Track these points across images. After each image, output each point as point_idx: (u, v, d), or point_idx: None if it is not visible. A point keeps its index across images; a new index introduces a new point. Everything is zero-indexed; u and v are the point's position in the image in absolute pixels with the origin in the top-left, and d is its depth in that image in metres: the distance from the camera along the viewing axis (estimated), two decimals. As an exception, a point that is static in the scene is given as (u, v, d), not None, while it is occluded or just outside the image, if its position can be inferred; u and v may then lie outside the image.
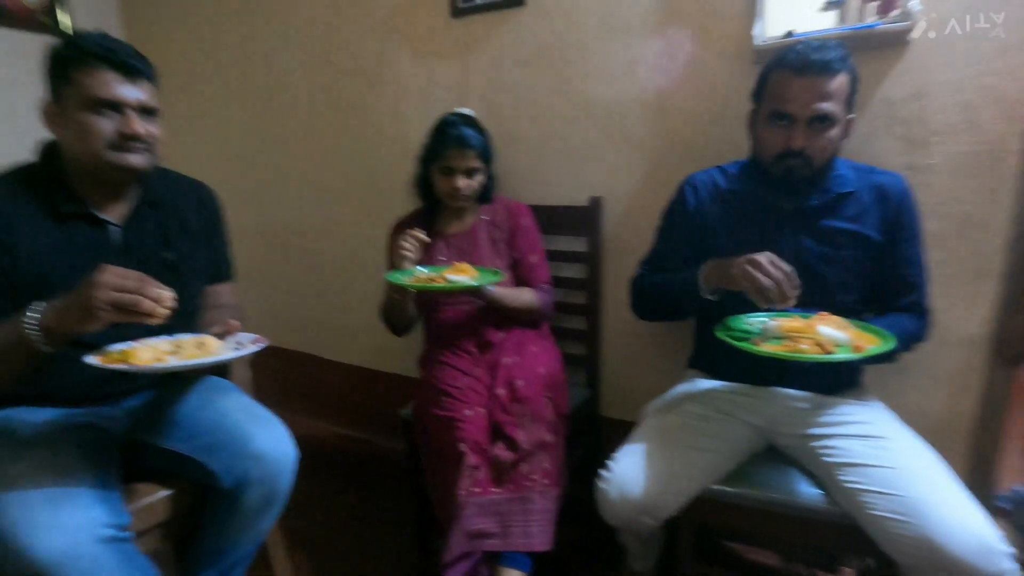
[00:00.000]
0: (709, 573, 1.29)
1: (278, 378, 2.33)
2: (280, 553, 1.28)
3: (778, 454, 1.10)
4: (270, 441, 1.02)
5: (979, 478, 1.29)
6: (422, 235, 1.28)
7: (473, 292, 1.28)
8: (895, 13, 1.14)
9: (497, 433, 1.21)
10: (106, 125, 0.93)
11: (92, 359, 0.83)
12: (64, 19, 2.31)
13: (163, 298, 0.80)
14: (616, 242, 1.56)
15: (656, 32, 1.40)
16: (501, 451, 1.18)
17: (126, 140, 0.94)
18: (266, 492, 1.02)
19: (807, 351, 0.87)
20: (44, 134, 2.35)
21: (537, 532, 1.17)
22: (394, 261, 1.30)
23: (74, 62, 0.91)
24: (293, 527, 1.30)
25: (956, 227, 1.20)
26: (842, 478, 0.95)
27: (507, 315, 1.39)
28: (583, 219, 1.54)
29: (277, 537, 1.27)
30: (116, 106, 0.93)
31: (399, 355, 1.99)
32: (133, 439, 1.04)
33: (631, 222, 1.52)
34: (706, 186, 1.20)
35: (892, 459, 0.93)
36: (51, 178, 0.98)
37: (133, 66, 0.94)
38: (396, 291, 1.32)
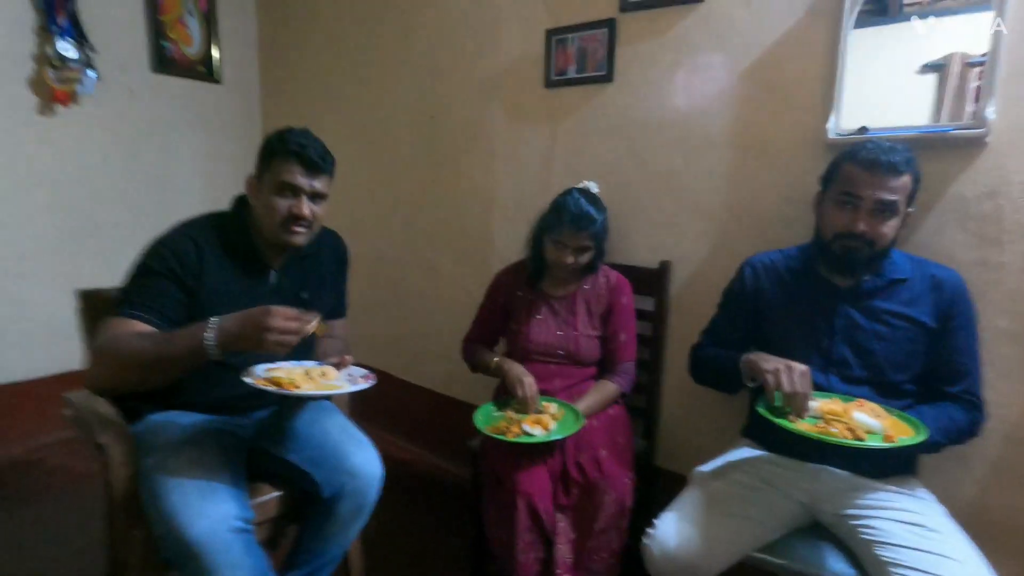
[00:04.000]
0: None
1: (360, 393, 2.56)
2: (358, 561, 1.45)
3: (822, 529, 1.15)
4: (364, 460, 1.21)
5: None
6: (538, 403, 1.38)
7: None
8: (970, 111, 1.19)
9: (567, 488, 1.31)
10: (283, 205, 1.18)
11: (249, 380, 1.05)
12: (216, 69, 2.72)
13: (310, 324, 1.01)
14: (682, 304, 1.65)
15: (734, 115, 1.51)
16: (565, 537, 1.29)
17: (295, 219, 1.18)
18: (357, 504, 1.21)
19: (836, 435, 0.94)
20: (201, 170, 2.74)
21: None
22: (517, 392, 1.38)
23: (278, 153, 1.18)
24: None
25: (1026, 326, 1.21)
26: (879, 553, 1.00)
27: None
28: (652, 281, 1.65)
29: (357, 547, 1.44)
30: (295, 191, 1.18)
31: (471, 385, 2.16)
32: (255, 445, 1.26)
33: (697, 287, 1.61)
34: (764, 267, 1.30)
35: (932, 546, 0.98)
36: (238, 228, 1.24)
37: (316, 163, 1.19)
38: (485, 368, 1.53)
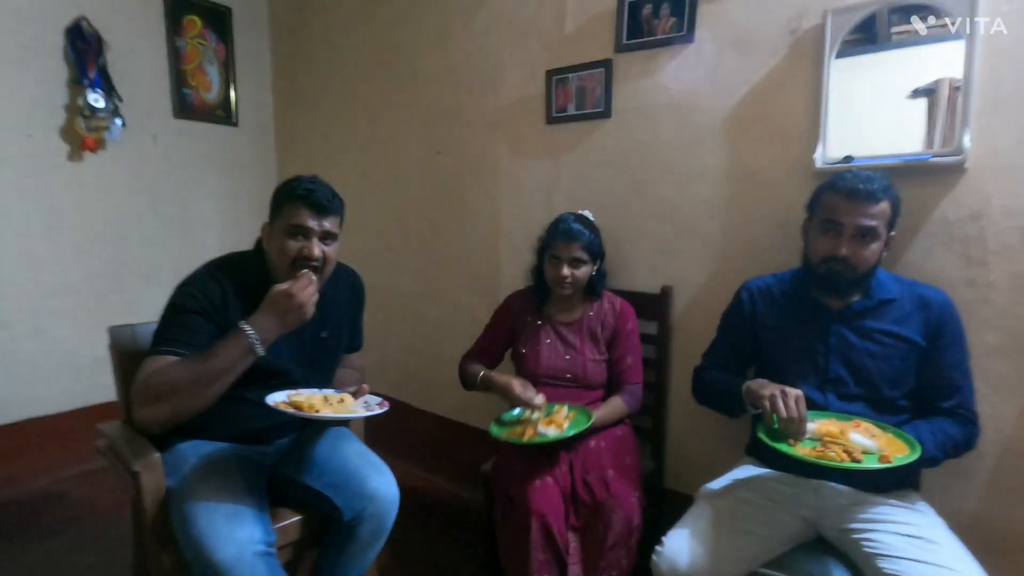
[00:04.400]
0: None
1: (374, 420, 2.61)
2: (375, 583, 1.49)
3: (825, 544, 1.18)
4: (382, 484, 1.26)
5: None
6: (540, 401, 1.42)
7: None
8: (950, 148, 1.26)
9: (576, 508, 1.35)
10: (294, 247, 1.24)
11: (272, 403, 1.12)
12: (234, 113, 2.86)
13: (313, 280, 1.18)
14: (684, 327, 1.71)
15: (726, 147, 1.59)
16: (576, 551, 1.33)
17: (305, 260, 1.24)
18: (376, 527, 1.25)
19: (834, 458, 0.99)
20: (219, 209, 2.83)
21: None
22: (513, 397, 1.44)
23: (287, 199, 1.25)
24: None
25: (1015, 340, 1.25)
26: (881, 565, 1.03)
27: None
28: (655, 305, 1.71)
29: (373, 571, 1.48)
30: (306, 232, 1.25)
31: (483, 411, 2.21)
32: (276, 472, 1.32)
33: (698, 310, 1.67)
34: (760, 291, 1.36)
35: (933, 558, 1.01)
36: (257, 270, 1.31)
37: (323, 206, 1.25)
38: (472, 383, 1.59)
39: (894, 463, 0.98)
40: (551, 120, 1.93)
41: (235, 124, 2.88)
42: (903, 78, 1.37)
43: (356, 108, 2.62)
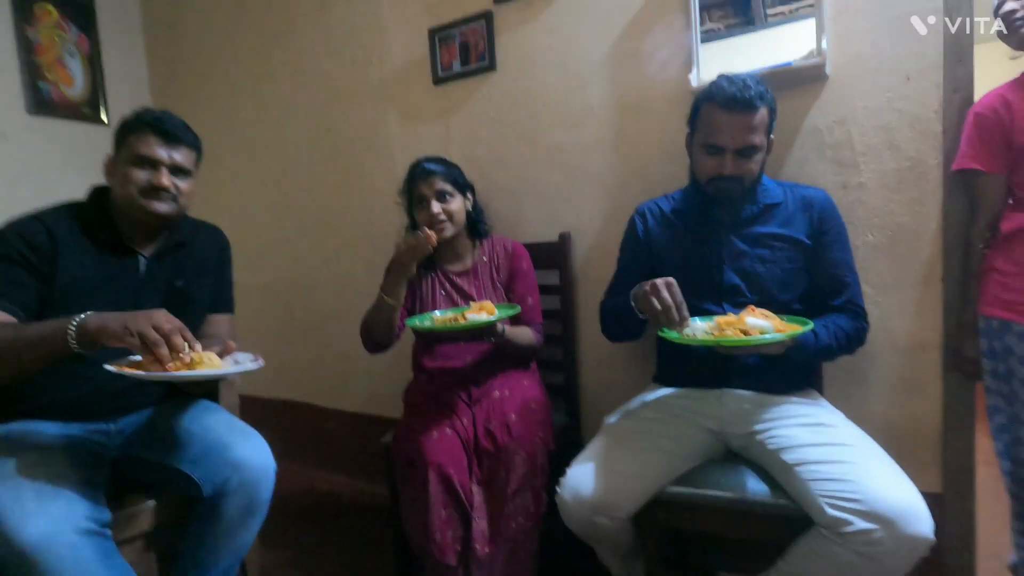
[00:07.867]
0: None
1: (279, 429, 2.38)
2: (261, 579, 1.30)
3: (733, 457, 1.13)
4: (249, 451, 1.10)
5: (956, 489, 1.28)
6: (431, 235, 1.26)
7: (491, 331, 1.30)
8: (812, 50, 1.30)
9: (480, 461, 1.25)
10: (141, 176, 1.12)
11: (110, 367, 0.92)
12: (104, 111, 2.61)
13: (180, 350, 0.90)
14: (587, 273, 1.66)
15: (609, 84, 1.58)
16: (480, 495, 1.23)
17: (154, 189, 1.13)
18: (246, 501, 1.08)
19: (731, 335, 0.94)
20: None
21: (520, 569, 1.21)
22: (404, 258, 1.29)
23: (132, 128, 1.14)
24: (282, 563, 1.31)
25: (892, 238, 1.28)
26: (785, 458, 0.99)
27: (509, 353, 1.42)
28: (555, 254, 1.65)
29: (255, 558, 1.28)
30: (153, 163, 1.12)
31: (393, 399, 2.05)
32: (124, 454, 1.12)
33: (599, 253, 1.63)
34: (652, 213, 1.33)
35: (828, 437, 0.99)
36: (97, 214, 1.16)
37: (172, 133, 1.14)
38: (390, 307, 1.34)
39: (789, 334, 0.96)
40: (438, 80, 1.86)
41: (105, 123, 2.63)
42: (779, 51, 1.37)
43: (241, 102, 2.44)
